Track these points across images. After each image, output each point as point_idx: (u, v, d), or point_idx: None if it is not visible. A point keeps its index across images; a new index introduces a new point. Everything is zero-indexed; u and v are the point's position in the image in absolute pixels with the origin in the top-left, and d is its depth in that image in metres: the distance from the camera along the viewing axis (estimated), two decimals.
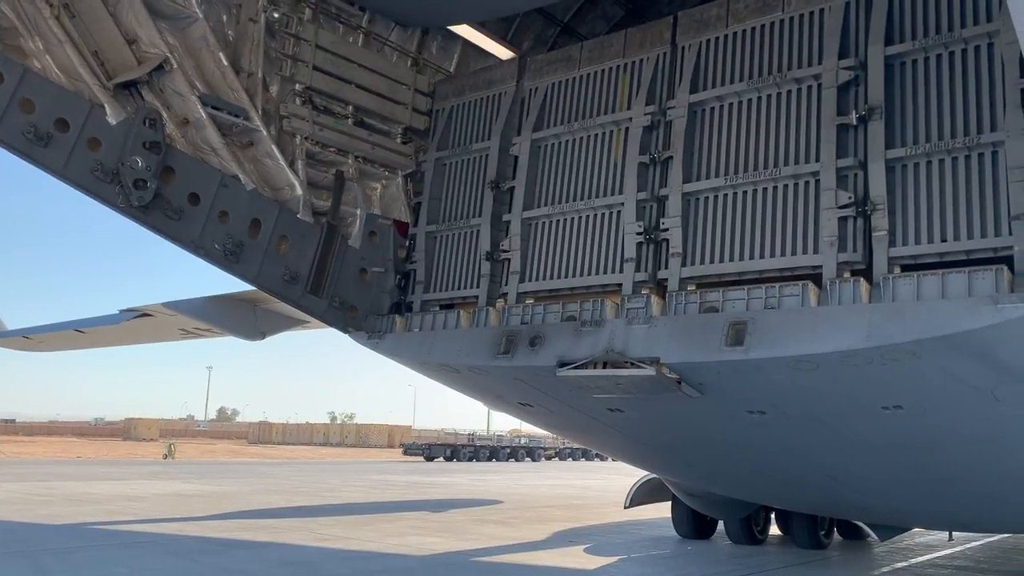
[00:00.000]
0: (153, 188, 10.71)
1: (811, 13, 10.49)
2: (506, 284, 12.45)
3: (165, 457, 52.52)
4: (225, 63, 11.51)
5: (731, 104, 10.94)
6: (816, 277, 9.53)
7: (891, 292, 8.85)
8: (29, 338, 29.17)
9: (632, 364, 9.94)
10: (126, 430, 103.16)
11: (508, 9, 13.29)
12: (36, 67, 10.08)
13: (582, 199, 11.97)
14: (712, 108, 11.10)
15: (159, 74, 11.04)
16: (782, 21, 10.71)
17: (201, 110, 11.25)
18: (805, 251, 9.81)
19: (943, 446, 10.57)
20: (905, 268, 9.12)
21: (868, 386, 9.32)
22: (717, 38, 11.23)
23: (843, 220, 9.54)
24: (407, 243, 14.05)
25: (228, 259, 11.65)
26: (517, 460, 76.23)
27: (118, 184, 10.54)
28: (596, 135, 12.15)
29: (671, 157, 11.08)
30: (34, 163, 10.07)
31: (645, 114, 11.47)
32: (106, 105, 10.46)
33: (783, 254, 9.99)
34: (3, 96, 9.69)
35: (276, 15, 12.32)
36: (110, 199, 10.55)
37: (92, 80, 10.37)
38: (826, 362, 8.98)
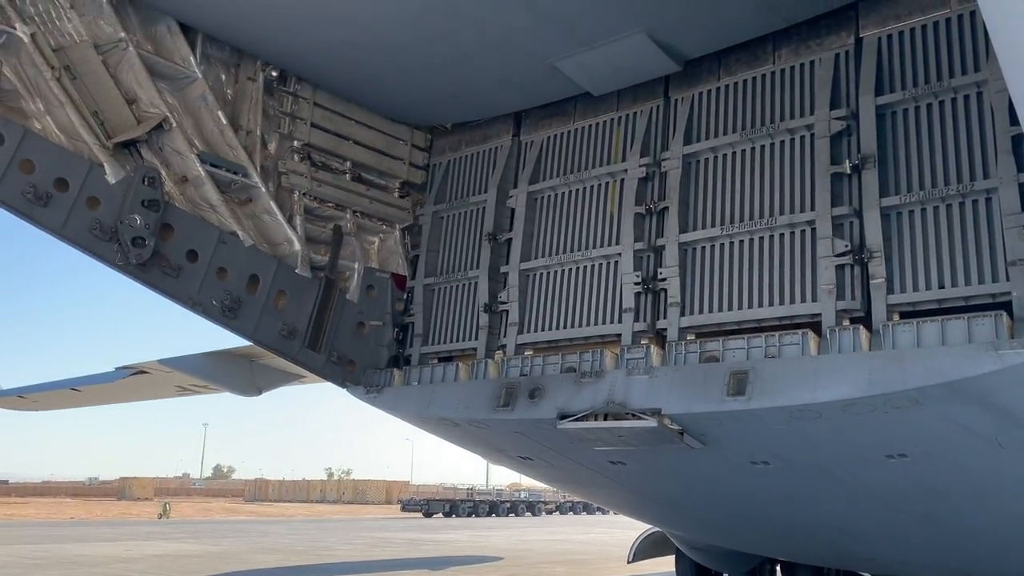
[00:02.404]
0: (151, 246, 10.73)
1: (801, 65, 10.67)
2: (505, 336, 12.42)
3: (160, 517, 51.79)
4: (224, 121, 11.63)
5: (725, 155, 11.06)
6: (816, 325, 9.52)
7: (891, 339, 8.83)
8: (24, 397, 28.96)
9: (633, 416, 9.86)
10: (121, 489, 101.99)
11: (505, 108, 13.32)
12: (36, 128, 10.18)
13: (579, 250, 12.01)
14: (707, 159, 11.21)
15: (158, 133, 11.15)
16: (773, 73, 10.89)
17: (200, 168, 11.34)
18: (804, 299, 9.81)
19: (950, 494, 10.45)
20: (904, 315, 9.11)
21: (871, 435, 9.24)
22: (709, 91, 11.40)
23: (840, 268, 9.56)
24: (405, 296, 14.05)
25: (226, 315, 11.63)
26: (517, 515, 75.28)
27: (116, 242, 10.56)
28: (592, 187, 12.25)
29: (667, 208, 11.15)
30: (33, 223, 10.10)
31: (640, 166, 11.58)
32: (105, 164, 10.54)
33: (782, 302, 9.99)
34: (3, 157, 9.76)
35: (274, 74, 12.49)
36: (108, 257, 10.56)
37: (92, 140, 10.46)
38: (828, 411, 8.92)
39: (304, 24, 10.89)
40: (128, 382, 23.39)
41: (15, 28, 9.95)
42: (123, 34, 10.67)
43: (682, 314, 10.66)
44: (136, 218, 10.63)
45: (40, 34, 10.19)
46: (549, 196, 12.71)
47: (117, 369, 23.31)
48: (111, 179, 10.59)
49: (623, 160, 11.92)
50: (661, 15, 10.25)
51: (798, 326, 9.64)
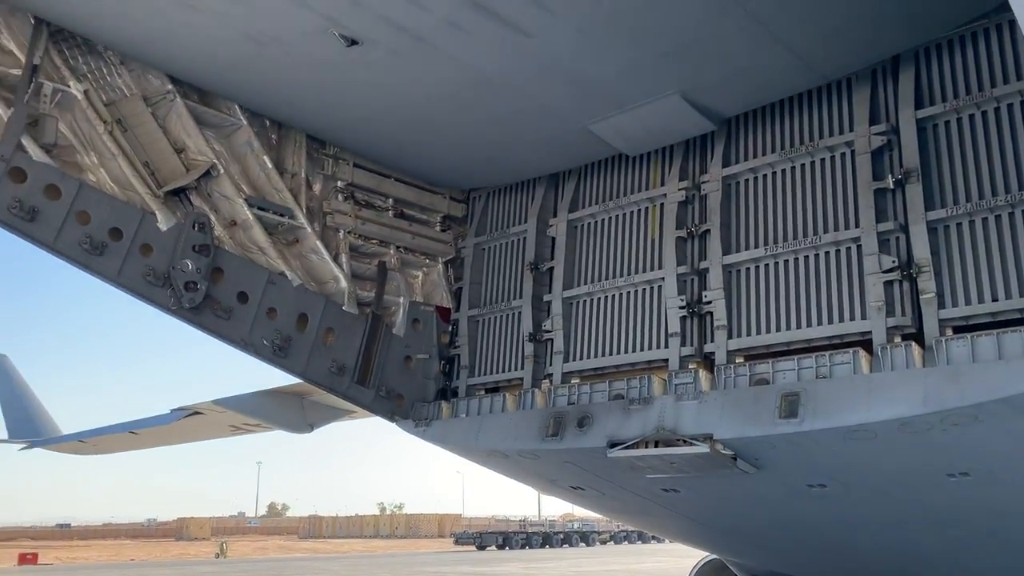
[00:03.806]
0: (203, 289, 11.00)
1: (838, 82, 10.61)
2: (550, 364, 12.42)
3: (218, 556, 52.29)
4: (269, 165, 11.94)
5: (765, 175, 11.01)
6: (866, 343, 9.38)
7: (945, 355, 8.65)
8: (84, 442, 29.61)
9: (685, 442, 9.77)
10: (178, 530, 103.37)
11: (540, 171, 13.38)
12: (91, 180, 10.55)
13: (622, 276, 12.02)
14: (746, 180, 11.18)
15: (207, 179, 11.49)
16: (810, 92, 10.84)
17: (248, 212, 11.64)
18: (853, 317, 9.68)
19: (1017, 513, 10.12)
20: (957, 330, 8.93)
21: (931, 454, 9.03)
22: (746, 113, 11.38)
23: (889, 284, 9.43)
24: (450, 328, 14.15)
25: (277, 355, 11.84)
26: (571, 545, 74.56)
27: (169, 287, 10.85)
28: (631, 212, 12.28)
29: (708, 230, 11.13)
30: (90, 271, 10.43)
31: (679, 189, 11.59)
32: (157, 212, 10.87)
33: (830, 321, 9.87)
34: (61, 210, 10.13)
35: None
36: (162, 302, 10.84)
37: (144, 189, 10.81)
38: (884, 431, 8.74)
39: (339, 99, 11.17)
40: (184, 423, 23.76)
41: (70, 86, 10.38)
42: (170, 86, 11.05)
43: (729, 337, 10.58)
44: (188, 263, 10.92)
45: (93, 90, 10.62)
46: (589, 223, 12.76)
47: (172, 411, 23.70)
48: (163, 226, 10.92)
49: (662, 184, 11.93)
50: (696, 77, 10.24)
51: (848, 345, 9.51)
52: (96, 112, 10.58)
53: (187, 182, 11.21)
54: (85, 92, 10.47)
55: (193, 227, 11.09)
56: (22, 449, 36.60)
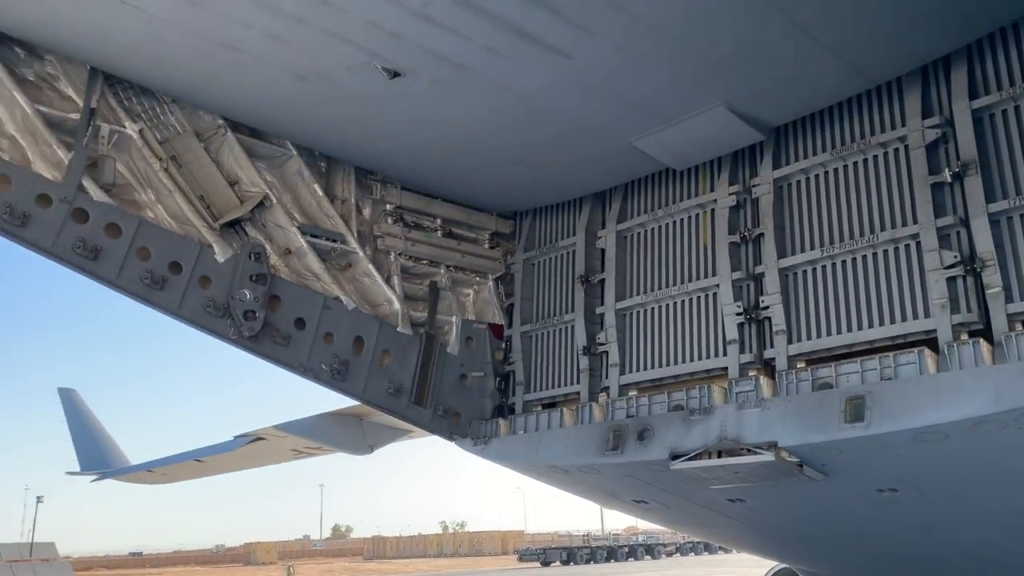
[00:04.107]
0: (262, 317, 11.21)
1: (888, 82, 10.36)
2: (607, 377, 12.35)
3: None
4: (320, 193, 12.15)
5: (817, 175, 10.83)
6: (931, 342, 9.13)
7: (1016, 351, 8.37)
8: (152, 471, 30.32)
9: (749, 451, 9.61)
10: (246, 555, 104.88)
11: (584, 191, 13.34)
12: (150, 217, 10.85)
13: (675, 284, 11.90)
14: (798, 181, 11.00)
15: (260, 210, 11.73)
16: (860, 94, 10.61)
17: (301, 239, 11.85)
18: (916, 316, 9.44)
19: None
20: None
21: (1007, 453, 8.73)
22: (795, 120, 11.15)
23: (952, 280, 9.17)
24: (504, 345, 14.17)
25: (335, 378, 11.99)
26: (636, 559, 73.74)
27: (229, 317, 11.08)
28: (681, 219, 12.17)
29: (762, 234, 10.97)
30: (151, 306, 10.71)
31: (730, 194, 11.46)
32: (214, 245, 11.13)
33: (892, 321, 9.64)
34: (122, 247, 10.43)
35: None
36: (222, 332, 11.07)
37: (200, 223, 11.08)
38: (956, 431, 8.48)
39: (384, 130, 11.30)
40: (247, 449, 24.17)
41: (125, 127, 10.72)
42: (221, 121, 11.32)
43: (789, 341, 10.40)
44: (246, 292, 11.15)
45: (147, 129, 10.95)
46: (638, 233, 12.68)
47: (236, 438, 24.14)
48: (220, 258, 11.17)
49: (711, 190, 11.81)
50: (741, 88, 10.07)
51: (912, 344, 9.27)
52: (151, 150, 10.89)
53: (242, 213, 11.46)
54: (140, 131, 10.80)
55: (249, 257, 11.32)
56: (94, 481, 37.65)
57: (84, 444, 41.97)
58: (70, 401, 45.64)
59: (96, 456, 40.63)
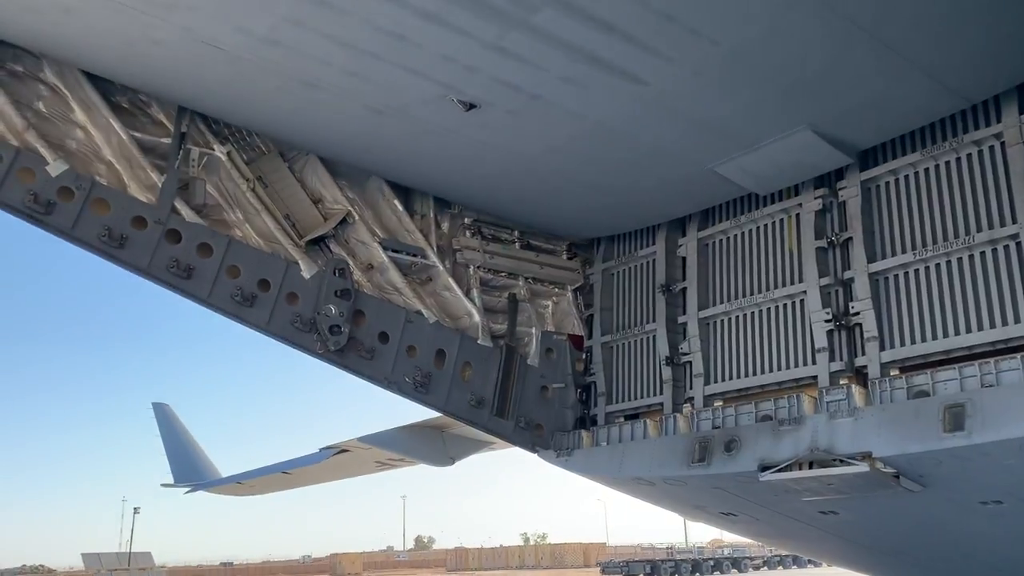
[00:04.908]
0: (347, 332, 11.43)
1: None
2: (691, 388, 12.15)
3: None
4: (400, 208, 12.34)
5: (907, 176, 10.46)
6: None
7: None
8: (241, 484, 31.19)
9: (842, 461, 9.31)
10: (332, 566, 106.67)
11: (662, 217, 13.13)
12: (238, 236, 11.20)
13: (760, 292, 11.65)
14: (887, 182, 10.66)
15: (343, 227, 11.99)
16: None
17: (383, 254, 12.05)
18: (1018, 320, 9.04)
19: None
20: None
21: None
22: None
23: None
24: (584, 356, 14.08)
25: (419, 391, 12.13)
26: (722, 572, 72.10)
27: (315, 332, 11.33)
28: (765, 225, 11.91)
29: (851, 238, 10.66)
30: (242, 322, 11.04)
31: (815, 198, 11.17)
32: (300, 262, 11.41)
33: (992, 326, 9.23)
34: (213, 266, 10.80)
35: None
36: (309, 346, 11.33)
37: (286, 241, 11.38)
38: None
39: (460, 161, 11.36)
40: (332, 462, 24.65)
41: (214, 149, 11.10)
42: None
43: (882, 348, 10.05)
44: (331, 308, 11.39)
45: (235, 151, 11.32)
46: (720, 240, 12.46)
47: (321, 450, 24.65)
48: (306, 274, 11.44)
49: (796, 194, 11.52)
50: (826, 109, 9.70)
51: (1014, 350, 8.85)
52: (239, 171, 11.27)
53: (326, 231, 11.73)
54: (228, 154, 11.18)
55: (334, 273, 11.57)
56: (187, 492, 38.98)
57: (177, 457, 43.47)
58: (164, 415, 47.36)
59: (189, 469, 42.05)
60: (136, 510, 74.19)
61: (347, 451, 23.56)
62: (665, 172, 11.31)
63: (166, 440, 45.03)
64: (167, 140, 10.77)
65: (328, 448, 24.32)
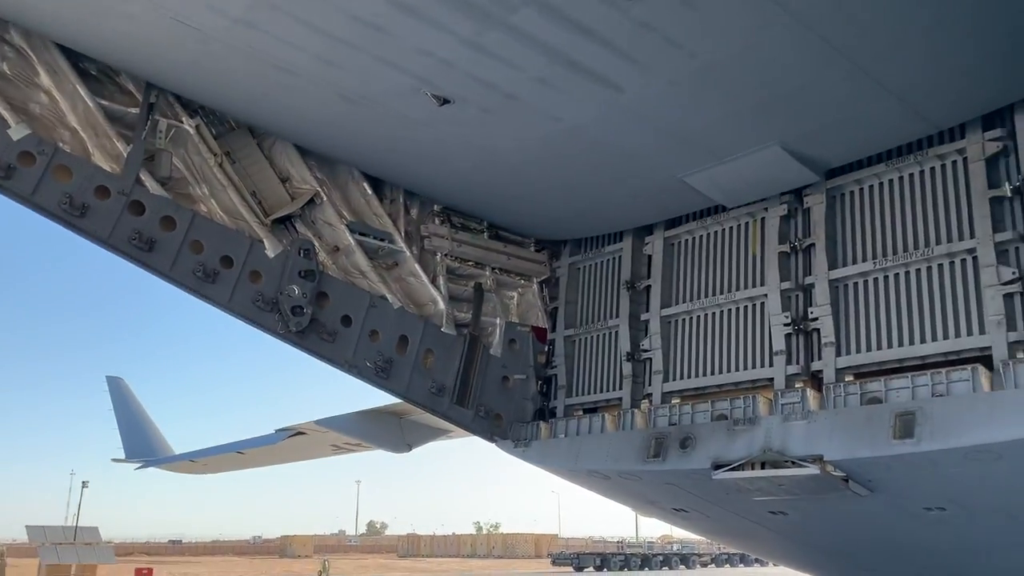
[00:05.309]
0: (309, 313, 11.35)
1: None
2: (650, 384, 12.28)
3: (320, 574, 53.46)
4: (369, 192, 12.25)
5: (871, 186, 10.65)
6: (986, 359, 8.93)
7: None
8: (195, 462, 30.90)
9: (793, 463, 9.48)
10: (282, 548, 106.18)
11: (631, 223, 13.18)
12: (203, 211, 11.05)
13: (722, 293, 11.79)
14: (851, 191, 10.84)
15: (310, 207, 11.88)
16: None
17: (350, 237, 11.96)
18: (970, 332, 9.25)
19: None
20: None
21: None
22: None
23: (1009, 297, 8.97)
24: (546, 348, 14.15)
25: (379, 376, 12.08)
26: (670, 568, 73.06)
27: (277, 312, 11.23)
28: (731, 228, 12.05)
29: (813, 244, 10.83)
30: (202, 298, 10.89)
31: (781, 203, 11.32)
32: (264, 240, 11.29)
33: (946, 337, 9.45)
34: (176, 240, 10.64)
35: None
36: (270, 326, 11.23)
37: (252, 218, 11.25)
38: (1009, 451, 8.28)
39: (430, 155, 11.31)
40: (287, 443, 24.51)
41: (183, 122, 10.93)
42: None
43: (838, 354, 10.24)
44: (294, 288, 11.29)
45: (203, 125, 11.14)
46: (686, 240, 12.58)
47: (277, 431, 24.49)
48: (270, 253, 11.32)
49: (762, 199, 11.66)
50: (796, 127, 9.81)
51: (965, 361, 9.07)
52: (207, 145, 11.10)
53: (292, 210, 11.61)
54: (197, 127, 11.00)
55: (299, 253, 11.47)
56: (138, 468, 38.48)
57: (130, 432, 42.89)
58: (118, 389, 46.68)
59: (141, 444, 41.51)
60: (84, 484, 72.88)
61: (303, 434, 23.44)
62: (636, 180, 11.37)
63: (119, 414, 44.39)
64: (135, 110, 10.56)
65: (284, 430, 24.17)
